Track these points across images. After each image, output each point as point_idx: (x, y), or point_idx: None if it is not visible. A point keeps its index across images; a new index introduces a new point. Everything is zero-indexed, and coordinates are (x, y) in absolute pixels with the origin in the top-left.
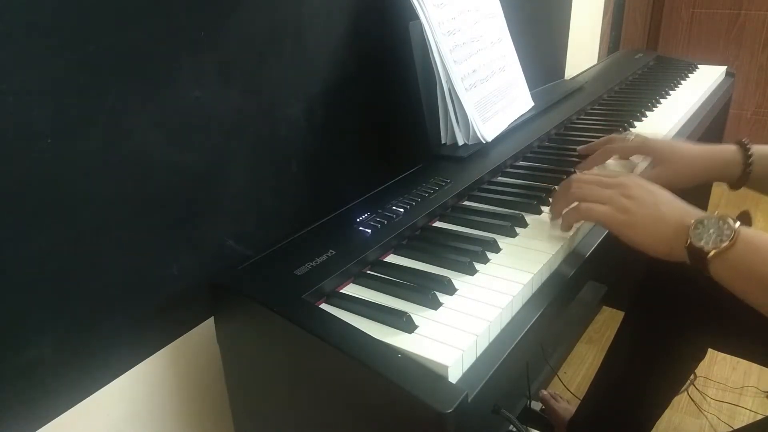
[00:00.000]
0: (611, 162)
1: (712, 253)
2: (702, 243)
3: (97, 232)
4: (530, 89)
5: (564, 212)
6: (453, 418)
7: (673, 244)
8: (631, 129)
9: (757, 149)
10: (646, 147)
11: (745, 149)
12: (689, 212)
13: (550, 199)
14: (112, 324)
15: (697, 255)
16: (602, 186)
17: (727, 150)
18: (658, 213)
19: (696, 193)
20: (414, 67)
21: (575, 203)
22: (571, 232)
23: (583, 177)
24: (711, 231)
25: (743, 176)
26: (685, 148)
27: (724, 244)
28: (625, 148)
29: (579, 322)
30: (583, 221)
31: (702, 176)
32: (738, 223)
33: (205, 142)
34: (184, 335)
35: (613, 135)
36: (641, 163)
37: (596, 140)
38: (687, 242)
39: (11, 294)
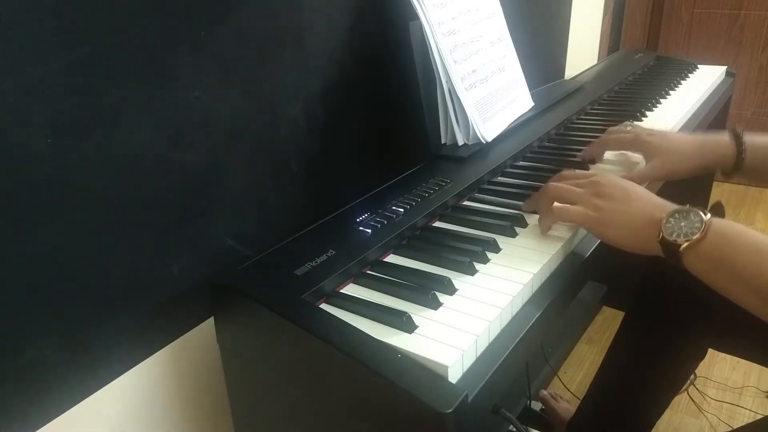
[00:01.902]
0: (611, 157)
1: (684, 245)
2: (674, 236)
3: (97, 232)
4: (530, 89)
5: (539, 215)
6: (453, 418)
7: (647, 239)
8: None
9: (750, 140)
10: (638, 142)
11: (738, 140)
12: (661, 206)
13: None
14: (112, 324)
15: (670, 248)
16: (575, 186)
17: (721, 141)
18: (630, 208)
19: (696, 192)
20: (414, 67)
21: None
22: (568, 234)
23: (557, 179)
24: (682, 224)
25: (736, 166)
26: (679, 140)
27: (696, 236)
28: (618, 142)
29: (579, 322)
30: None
31: (697, 167)
32: (709, 215)
33: (205, 142)
34: (184, 335)
35: (610, 128)
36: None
37: (595, 140)
38: (659, 236)
39: (12, 294)
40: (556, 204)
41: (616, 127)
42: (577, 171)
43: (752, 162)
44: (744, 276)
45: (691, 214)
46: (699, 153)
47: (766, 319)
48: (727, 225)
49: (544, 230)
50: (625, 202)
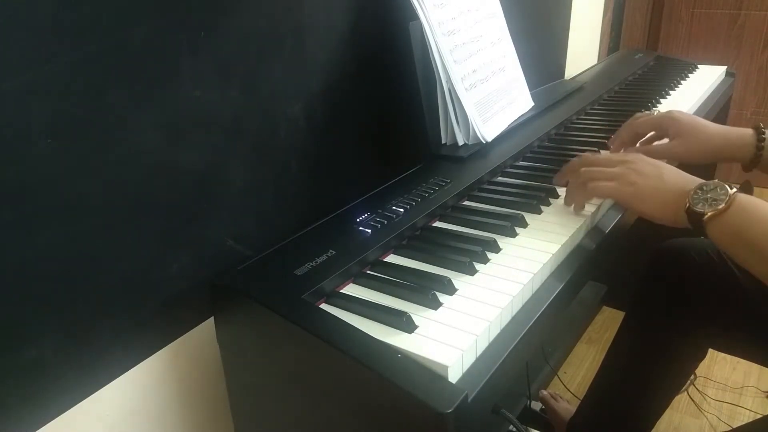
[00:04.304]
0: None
1: (708, 215)
2: (699, 207)
3: (97, 232)
4: (530, 89)
5: (575, 194)
6: (453, 418)
7: (675, 209)
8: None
9: None
10: (668, 118)
11: (760, 133)
12: (691, 180)
13: (562, 195)
14: (112, 324)
15: (696, 218)
16: (609, 165)
17: (744, 132)
18: (662, 182)
19: None
20: (414, 67)
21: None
22: (568, 234)
23: (591, 158)
24: (709, 196)
25: (755, 158)
26: (705, 125)
27: (720, 207)
28: (648, 121)
29: (579, 322)
30: (593, 199)
31: (717, 153)
32: (734, 189)
33: (205, 142)
34: (184, 335)
35: (636, 114)
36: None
37: (621, 127)
38: (687, 206)
39: (11, 294)
40: (591, 182)
41: (644, 113)
42: (604, 154)
43: None
44: (758, 247)
45: (718, 188)
46: (722, 140)
47: None
48: (750, 199)
49: (579, 209)
50: (658, 178)
